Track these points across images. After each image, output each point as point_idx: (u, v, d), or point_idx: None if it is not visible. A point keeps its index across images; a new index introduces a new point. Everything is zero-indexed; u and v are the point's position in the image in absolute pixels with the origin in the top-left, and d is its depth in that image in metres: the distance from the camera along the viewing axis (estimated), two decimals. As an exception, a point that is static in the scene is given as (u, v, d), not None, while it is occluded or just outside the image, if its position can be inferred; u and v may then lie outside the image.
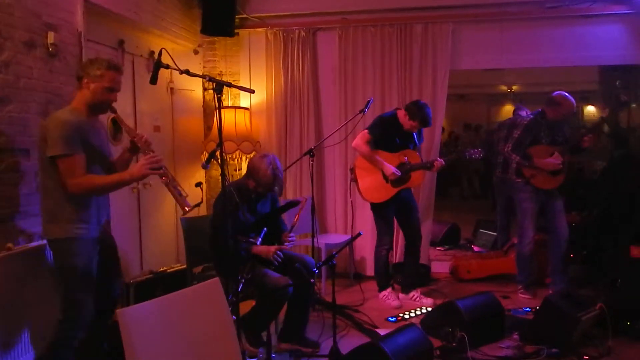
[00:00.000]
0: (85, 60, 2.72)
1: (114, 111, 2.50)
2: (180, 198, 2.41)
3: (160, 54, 2.50)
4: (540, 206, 4.09)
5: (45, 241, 2.53)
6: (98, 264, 2.47)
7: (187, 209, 2.40)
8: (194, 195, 2.62)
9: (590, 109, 11.49)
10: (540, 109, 4.09)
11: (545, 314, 3.19)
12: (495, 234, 5.46)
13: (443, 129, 5.80)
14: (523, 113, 5.02)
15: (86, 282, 2.38)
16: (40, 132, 2.39)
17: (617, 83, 8.66)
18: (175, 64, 2.50)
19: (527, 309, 3.81)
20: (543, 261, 4.33)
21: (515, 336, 3.23)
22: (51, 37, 2.91)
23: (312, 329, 3.29)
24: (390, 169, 3.85)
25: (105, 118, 2.61)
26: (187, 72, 2.51)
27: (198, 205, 2.53)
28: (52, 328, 2.42)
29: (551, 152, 4.01)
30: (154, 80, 2.57)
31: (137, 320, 1.59)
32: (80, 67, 2.48)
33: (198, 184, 2.63)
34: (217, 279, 1.94)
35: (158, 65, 2.50)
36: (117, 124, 3.28)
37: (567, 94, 3.99)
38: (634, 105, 7.49)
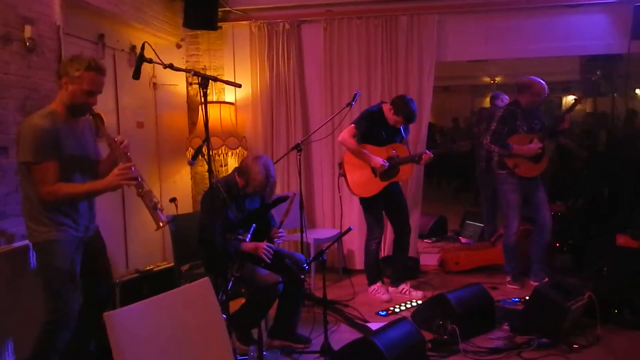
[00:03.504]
0: (66, 58, 2.60)
1: (94, 114, 2.39)
2: (155, 213, 2.30)
3: (142, 48, 2.43)
4: (524, 197, 4.12)
5: (26, 242, 2.46)
6: (85, 265, 2.41)
7: (161, 224, 2.31)
8: (167, 209, 2.53)
9: (571, 99, 11.62)
10: (513, 99, 4.13)
11: (535, 304, 3.21)
12: (482, 225, 5.48)
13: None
14: (499, 103, 5.05)
15: (68, 283, 2.33)
16: (16, 136, 2.32)
17: (598, 73, 8.77)
18: (159, 58, 2.43)
19: (516, 299, 3.84)
20: (529, 251, 4.37)
21: (506, 327, 3.26)
22: (28, 31, 2.81)
23: (302, 325, 3.27)
24: (379, 161, 3.83)
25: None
26: (171, 66, 2.45)
27: (170, 221, 2.43)
28: (36, 331, 2.35)
29: (530, 140, 4.05)
30: (136, 75, 2.50)
31: (125, 322, 1.54)
32: (61, 65, 2.37)
33: (172, 200, 2.55)
34: (207, 278, 1.89)
35: (141, 59, 2.43)
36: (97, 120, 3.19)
37: (534, 77, 4.04)
38: (615, 95, 7.59)
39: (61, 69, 2.34)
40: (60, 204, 2.32)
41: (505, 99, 5.08)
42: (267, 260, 3.00)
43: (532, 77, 4.05)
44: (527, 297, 3.48)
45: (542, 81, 4.02)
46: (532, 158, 4.03)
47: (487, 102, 12.63)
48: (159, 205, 2.34)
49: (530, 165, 4.05)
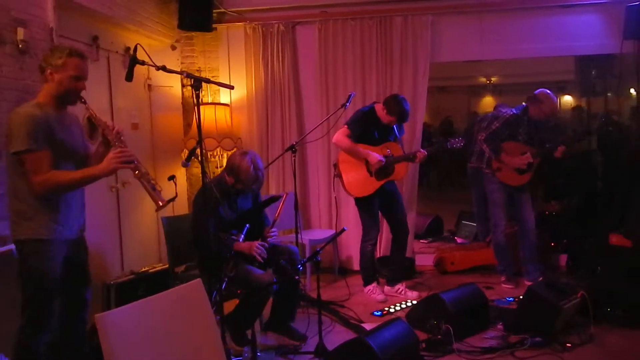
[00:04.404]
0: (46, 51, 2.60)
1: (84, 101, 2.37)
2: (153, 193, 2.30)
3: (135, 50, 2.44)
4: (509, 196, 4.16)
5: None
6: (71, 268, 2.37)
7: (160, 203, 2.30)
8: (168, 190, 2.53)
9: (567, 99, 11.67)
10: (524, 105, 4.13)
11: (528, 303, 3.23)
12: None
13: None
14: (504, 109, 5.04)
15: (50, 285, 2.26)
16: (5, 128, 2.26)
17: (593, 73, 8.79)
18: (152, 60, 2.44)
19: (511, 299, 3.85)
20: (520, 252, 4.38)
21: (500, 326, 3.28)
22: (21, 33, 2.80)
23: (298, 326, 3.27)
24: (376, 156, 3.84)
25: (80, 115, 2.50)
26: (163, 68, 2.46)
27: (173, 199, 2.41)
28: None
29: (523, 151, 4.06)
30: (129, 77, 2.51)
31: (116, 325, 1.55)
32: (42, 59, 2.35)
33: (171, 177, 2.53)
34: (198, 280, 1.90)
35: (133, 61, 2.45)
36: (92, 122, 3.17)
37: (549, 92, 4.03)
38: (609, 94, 7.61)
39: (43, 62, 2.31)
40: (53, 194, 2.26)
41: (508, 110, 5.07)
42: (260, 259, 3.01)
43: (547, 92, 4.01)
44: (521, 297, 3.49)
45: (555, 99, 4.02)
46: (516, 169, 4.06)
47: (483, 103, 12.68)
48: (157, 186, 2.33)
49: (512, 174, 4.09)
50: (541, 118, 4.05)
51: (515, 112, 4.13)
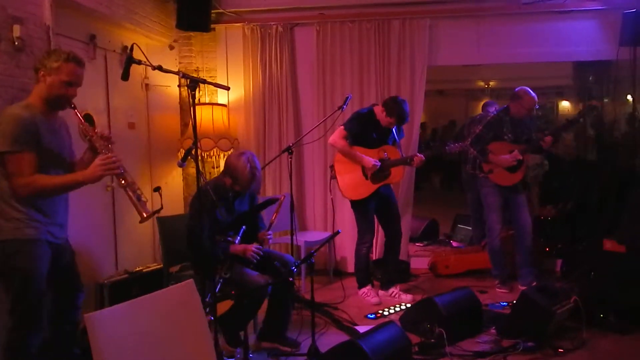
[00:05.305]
0: (44, 52, 2.58)
1: (74, 107, 2.34)
2: (138, 204, 2.26)
3: (131, 49, 2.43)
4: (505, 200, 4.17)
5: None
6: (58, 271, 2.33)
7: (144, 215, 2.26)
8: (153, 201, 2.47)
9: (565, 104, 11.70)
10: (505, 106, 4.16)
11: (521, 308, 3.23)
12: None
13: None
14: (492, 109, 5.07)
15: (37, 285, 2.21)
16: None
17: (590, 78, 8.83)
18: (148, 60, 2.43)
19: (504, 303, 3.85)
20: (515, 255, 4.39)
21: (493, 331, 3.28)
22: (17, 30, 2.79)
23: (291, 327, 3.27)
24: (370, 161, 3.84)
25: (74, 115, 2.47)
26: (159, 68, 2.45)
27: (157, 212, 2.37)
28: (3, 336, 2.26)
29: (511, 150, 4.07)
30: (125, 76, 2.50)
31: (105, 325, 1.54)
32: (38, 60, 2.32)
33: (157, 189, 2.43)
34: (191, 280, 1.90)
35: (129, 61, 2.44)
36: (91, 120, 3.16)
37: (529, 89, 4.05)
38: (606, 100, 7.64)
39: (38, 63, 2.29)
40: (37, 198, 2.22)
41: (497, 107, 5.09)
42: (254, 261, 3.00)
43: (527, 89, 4.03)
44: (515, 301, 3.50)
45: (534, 95, 4.02)
46: (507, 168, 4.07)
47: (481, 106, 12.70)
48: (142, 197, 2.30)
49: (504, 174, 4.09)
50: (522, 115, 4.06)
51: (496, 112, 4.16)
